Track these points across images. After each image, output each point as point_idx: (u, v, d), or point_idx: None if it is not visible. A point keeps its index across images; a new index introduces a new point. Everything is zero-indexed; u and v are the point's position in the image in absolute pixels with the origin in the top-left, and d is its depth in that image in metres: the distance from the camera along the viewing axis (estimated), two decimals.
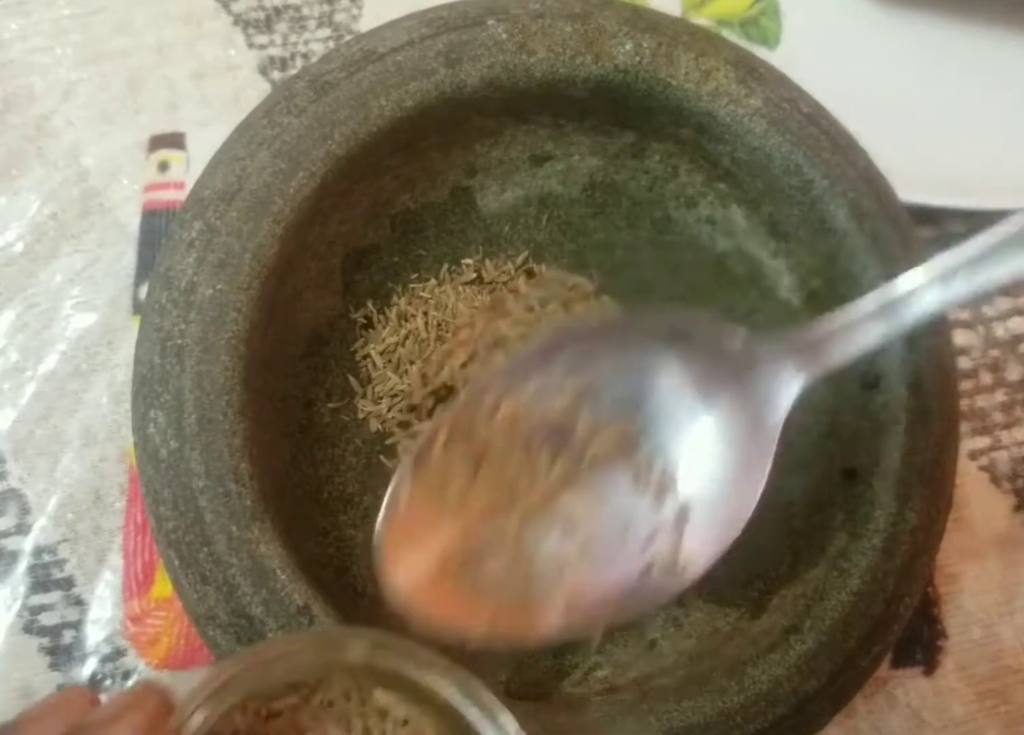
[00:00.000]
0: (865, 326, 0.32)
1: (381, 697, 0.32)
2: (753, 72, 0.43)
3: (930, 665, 0.53)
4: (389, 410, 0.49)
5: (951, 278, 0.30)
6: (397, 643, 0.31)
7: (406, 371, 0.49)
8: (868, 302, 0.32)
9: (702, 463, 0.36)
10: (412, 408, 0.49)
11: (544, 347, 0.34)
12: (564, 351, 0.35)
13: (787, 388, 0.34)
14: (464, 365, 0.49)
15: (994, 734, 0.53)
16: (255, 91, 0.60)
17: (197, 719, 0.28)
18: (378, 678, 0.32)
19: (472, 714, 0.31)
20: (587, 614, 0.35)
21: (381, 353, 0.49)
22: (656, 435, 0.35)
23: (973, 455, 0.57)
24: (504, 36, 0.42)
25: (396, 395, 0.49)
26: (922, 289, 0.31)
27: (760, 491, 0.35)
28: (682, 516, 0.36)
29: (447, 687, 0.31)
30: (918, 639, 0.54)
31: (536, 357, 0.34)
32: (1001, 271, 0.30)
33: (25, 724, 0.28)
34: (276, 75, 0.60)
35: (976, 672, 0.54)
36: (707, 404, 0.35)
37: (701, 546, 0.36)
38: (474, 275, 0.51)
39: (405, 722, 0.32)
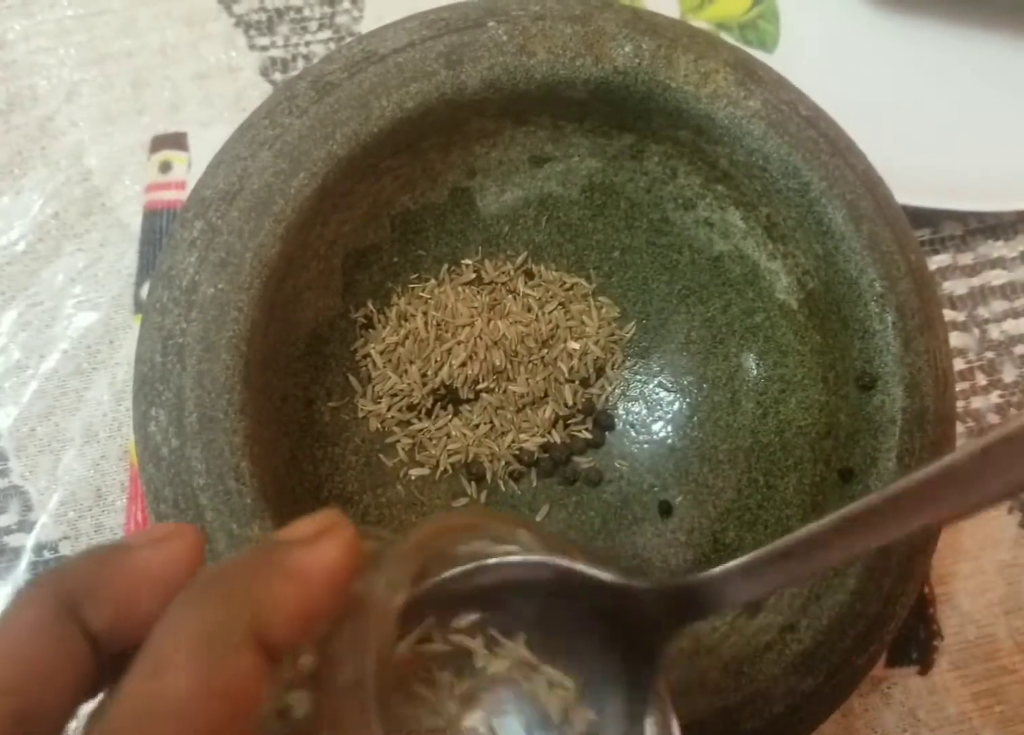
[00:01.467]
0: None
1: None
2: (752, 74, 0.44)
3: (925, 664, 0.54)
4: (389, 409, 0.49)
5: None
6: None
7: (406, 370, 0.49)
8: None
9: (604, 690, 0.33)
10: (412, 407, 0.50)
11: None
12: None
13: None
14: (463, 364, 0.50)
15: (989, 734, 0.53)
16: (256, 92, 0.60)
17: (399, 597, 0.25)
18: None
19: None
20: None
21: (381, 352, 0.49)
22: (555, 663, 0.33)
23: None
24: (504, 38, 0.42)
25: (396, 394, 0.49)
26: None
27: None
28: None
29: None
30: (914, 639, 0.54)
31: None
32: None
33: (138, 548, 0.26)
34: (277, 76, 0.60)
35: (971, 672, 0.54)
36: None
37: None
38: (473, 275, 0.51)
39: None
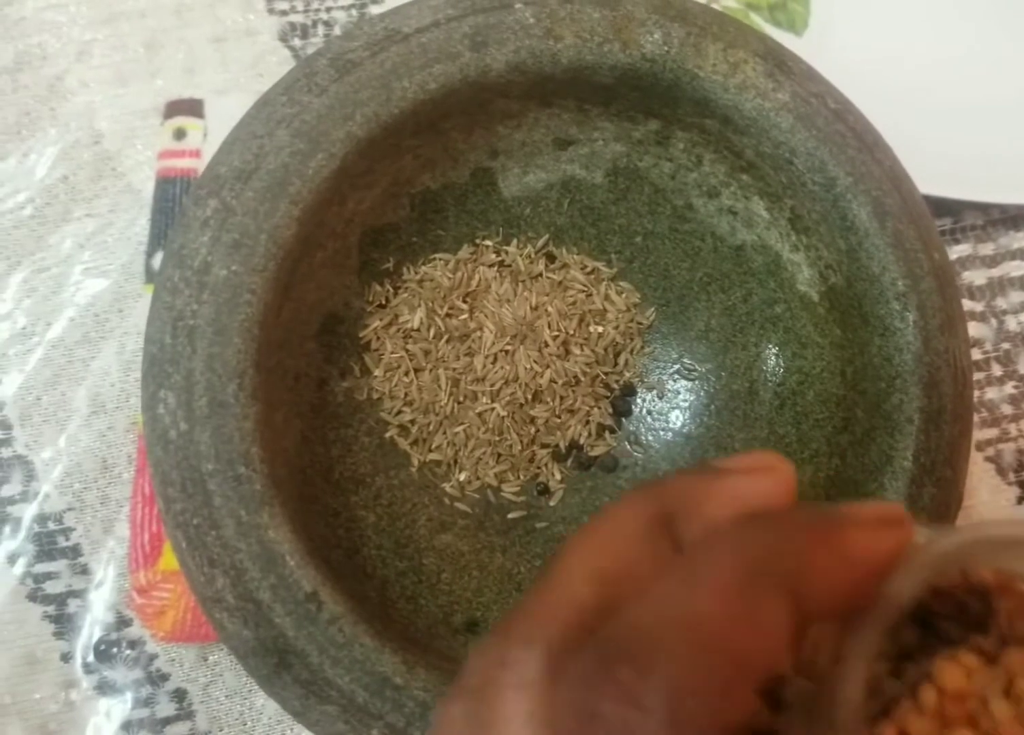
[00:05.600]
0: None
1: None
2: (782, 65, 0.42)
3: None
4: None
5: None
6: None
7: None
8: None
9: None
10: None
11: None
12: None
13: None
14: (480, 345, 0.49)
15: None
16: (275, 58, 0.58)
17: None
18: None
19: None
20: None
21: (396, 332, 0.49)
22: None
23: (980, 446, 0.57)
24: (531, 20, 0.41)
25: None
26: None
27: None
28: None
29: None
30: None
31: None
32: None
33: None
34: (296, 42, 0.59)
35: None
36: None
37: None
38: (494, 256, 0.50)
39: None
